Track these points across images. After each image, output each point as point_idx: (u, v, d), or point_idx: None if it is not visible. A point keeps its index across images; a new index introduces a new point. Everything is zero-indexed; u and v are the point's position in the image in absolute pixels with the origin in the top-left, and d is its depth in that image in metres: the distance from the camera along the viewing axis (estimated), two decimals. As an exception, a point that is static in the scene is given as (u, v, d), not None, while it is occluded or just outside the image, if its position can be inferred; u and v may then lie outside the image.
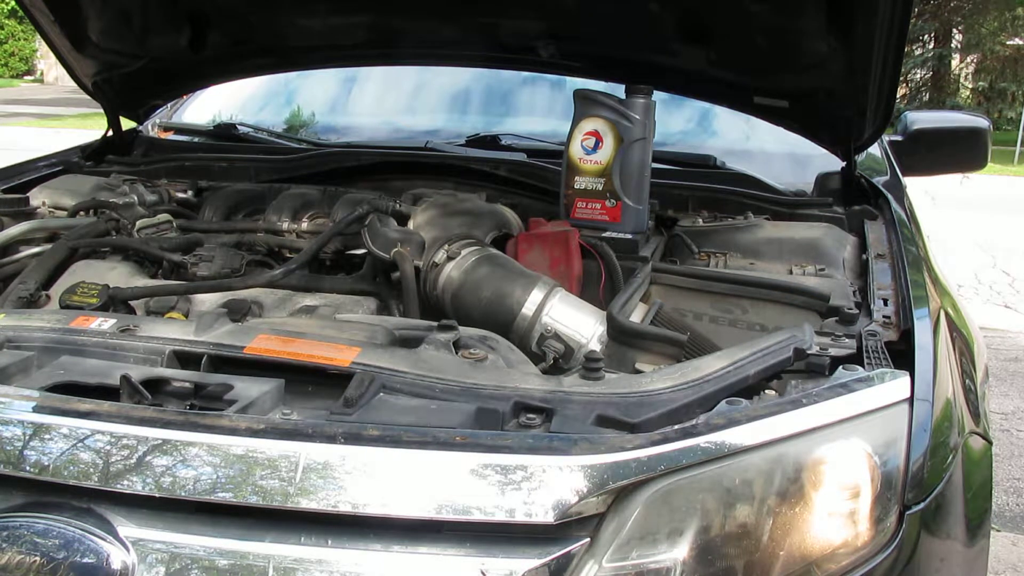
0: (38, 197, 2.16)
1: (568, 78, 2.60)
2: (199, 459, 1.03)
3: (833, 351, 1.31)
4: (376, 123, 2.93)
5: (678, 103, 2.61)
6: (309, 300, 1.71)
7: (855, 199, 2.15)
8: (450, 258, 1.73)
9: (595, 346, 1.53)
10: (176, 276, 1.85)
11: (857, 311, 1.46)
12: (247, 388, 1.18)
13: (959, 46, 17.85)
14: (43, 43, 3.10)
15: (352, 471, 1.01)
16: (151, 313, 1.67)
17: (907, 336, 1.35)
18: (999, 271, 6.94)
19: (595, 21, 2.17)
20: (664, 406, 1.13)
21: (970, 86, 18.31)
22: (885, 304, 1.50)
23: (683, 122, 2.73)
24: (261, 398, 1.17)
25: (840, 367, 1.21)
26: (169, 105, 2.95)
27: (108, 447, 1.04)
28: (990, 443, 1.39)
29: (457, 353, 1.34)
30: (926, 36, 17.29)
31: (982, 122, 2.63)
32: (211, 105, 2.98)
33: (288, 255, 1.96)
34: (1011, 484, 3.40)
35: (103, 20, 2.36)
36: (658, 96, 2.00)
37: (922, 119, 2.69)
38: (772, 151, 2.51)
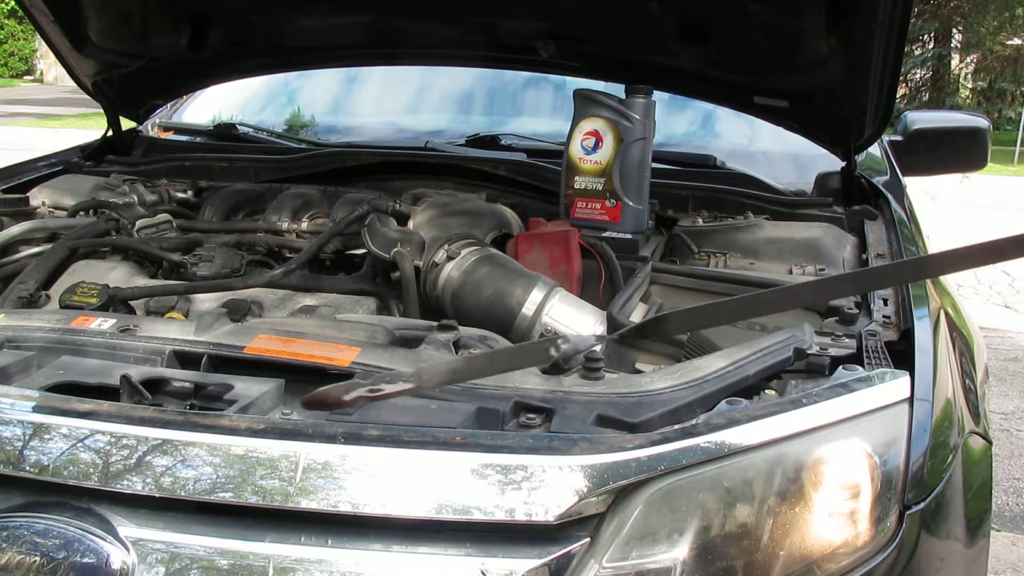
0: (38, 197, 2.16)
1: (568, 78, 2.60)
2: (199, 459, 1.03)
3: (833, 351, 1.30)
4: (376, 123, 2.93)
5: (679, 103, 2.61)
6: (309, 300, 1.71)
7: (855, 199, 2.15)
8: (450, 258, 1.73)
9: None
10: (176, 276, 1.85)
11: (857, 311, 1.46)
12: (247, 388, 1.18)
13: (959, 46, 17.83)
14: (43, 43, 3.10)
15: (352, 471, 1.01)
16: (151, 313, 1.67)
17: (907, 336, 1.35)
18: (999, 271, 6.93)
19: (595, 21, 2.17)
20: (664, 406, 1.13)
21: (970, 86, 18.29)
22: (885, 304, 1.50)
23: (685, 123, 2.73)
24: (261, 398, 1.17)
25: (840, 367, 1.21)
26: (169, 105, 2.95)
27: (108, 447, 1.04)
28: (990, 443, 1.39)
29: (457, 353, 1.34)
30: (926, 36, 17.28)
31: (982, 122, 2.63)
32: (211, 105, 2.98)
33: (288, 255, 1.96)
34: (1011, 484, 3.40)
35: (103, 20, 2.36)
36: (658, 96, 2.00)
37: (922, 119, 2.69)
38: (772, 151, 2.51)
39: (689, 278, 1.80)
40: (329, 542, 1.00)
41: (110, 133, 2.63)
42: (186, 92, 2.94)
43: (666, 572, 1.01)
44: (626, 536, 1.01)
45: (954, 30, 17.66)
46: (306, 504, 1.00)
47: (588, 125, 1.96)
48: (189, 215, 2.16)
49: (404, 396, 1.03)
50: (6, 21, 24.88)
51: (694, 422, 1.07)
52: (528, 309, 1.59)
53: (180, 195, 2.30)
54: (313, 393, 0.80)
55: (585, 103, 1.97)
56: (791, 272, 1.80)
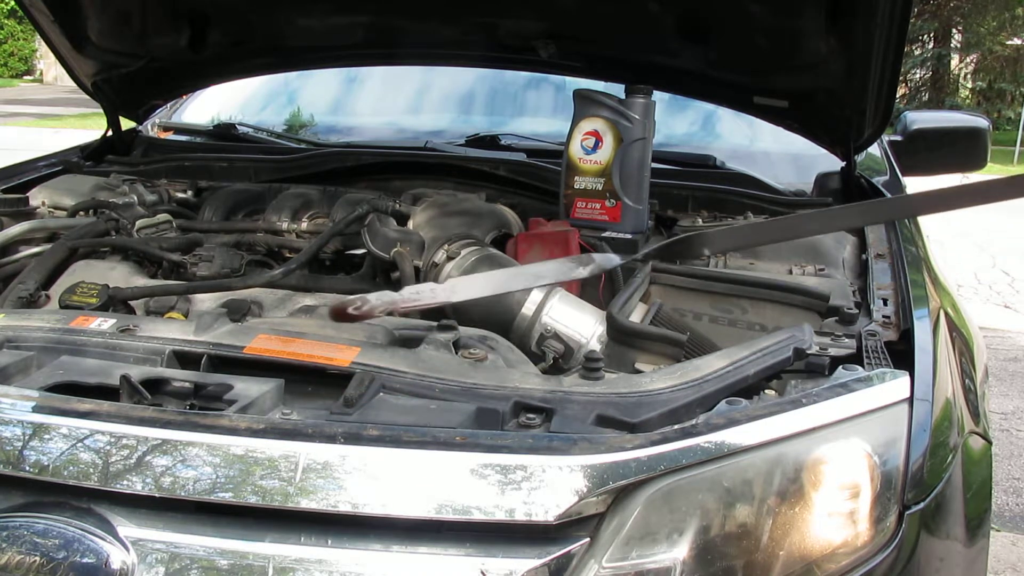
0: (38, 197, 2.16)
1: (568, 78, 2.60)
2: (199, 459, 1.03)
3: (833, 351, 1.31)
4: (376, 123, 2.93)
5: (679, 103, 2.61)
6: (309, 300, 1.71)
7: (855, 199, 2.15)
8: (450, 258, 1.73)
9: (595, 346, 1.53)
10: (176, 276, 1.85)
11: (857, 311, 1.46)
12: (247, 388, 1.18)
13: (959, 46, 17.82)
14: (43, 43, 3.10)
15: (352, 471, 1.01)
16: (151, 313, 1.67)
17: (907, 336, 1.35)
18: (999, 271, 6.94)
19: (595, 21, 2.17)
20: (664, 406, 1.13)
21: (969, 86, 18.29)
22: (885, 304, 1.50)
23: (685, 123, 2.73)
24: (261, 398, 1.17)
25: (840, 367, 1.21)
26: (169, 105, 2.95)
27: (108, 447, 1.04)
28: (990, 443, 1.39)
29: (457, 353, 1.34)
30: (926, 36, 17.27)
31: (982, 122, 2.63)
32: (211, 105, 2.98)
33: (288, 255, 1.96)
34: (1011, 484, 3.40)
35: (103, 20, 2.36)
36: (658, 96, 2.00)
37: (922, 119, 2.69)
38: (772, 151, 2.52)
39: (689, 278, 1.79)
40: (329, 542, 1.00)
41: (110, 133, 2.63)
42: (186, 92, 2.94)
43: (666, 572, 1.01)
44: (626, 536, 1.01)
45: (954, 30, 17.65)
46: (306, 504, 1.00)
47: (588, 125, 1.96)
48: (189, 215, 2.16)
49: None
50: (6, 21, 24.86)
51: (694, 422, 1.08)
52: (528, 309, 1.59)
53: (180, 195, 2.30)
54: (342, 301, 0.78)
55: (585, 103, 1.97)
56: (791, 272, 1.80)
